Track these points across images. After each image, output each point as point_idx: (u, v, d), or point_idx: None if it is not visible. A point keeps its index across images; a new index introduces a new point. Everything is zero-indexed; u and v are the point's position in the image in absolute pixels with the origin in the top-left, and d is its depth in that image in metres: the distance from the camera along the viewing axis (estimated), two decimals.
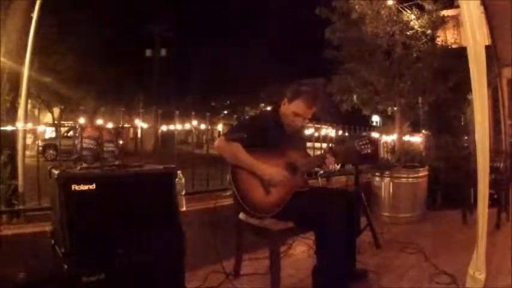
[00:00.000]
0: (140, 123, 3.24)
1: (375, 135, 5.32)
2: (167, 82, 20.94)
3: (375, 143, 2.67)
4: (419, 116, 6.12)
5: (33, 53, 2.98)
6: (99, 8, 15.07)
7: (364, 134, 5.04)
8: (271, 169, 2.23)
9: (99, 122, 2.72)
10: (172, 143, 3.32)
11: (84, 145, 2.08)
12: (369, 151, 2.60)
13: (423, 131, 6.12)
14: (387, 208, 4.25)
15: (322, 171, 3.05)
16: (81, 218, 1.78)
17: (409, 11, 4.78)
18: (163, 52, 22.54)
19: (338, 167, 2.75)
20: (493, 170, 3.90)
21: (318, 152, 2.79)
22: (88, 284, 1.71)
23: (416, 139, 6.07)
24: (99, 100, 17.27)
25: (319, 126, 4.76)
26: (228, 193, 2.66)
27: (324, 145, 4.56)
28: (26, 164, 2.87)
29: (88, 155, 2.08)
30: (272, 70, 19.51)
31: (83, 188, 1.78)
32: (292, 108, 2.38)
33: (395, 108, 5.10)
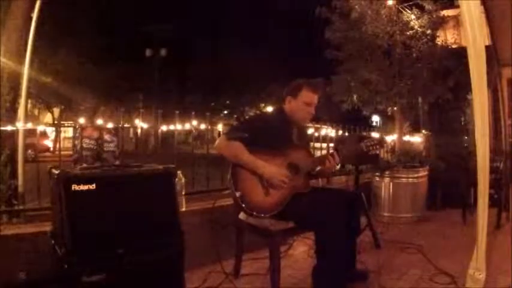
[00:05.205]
0: (140, 123, 3.25)
1: (375, 135, 5.32)
2: (167, 82, 20.93)
3: (382, 144, 2.63)
4: (419, 116, 6.12)
5: (33, 53, 2.98)
6: (100, 8, 15.08)
7: (364, 133, 5.04)
8: (272, 168, 2.23)
9: (99, 122, 2.72)
10: (172, 143, 3.32)
11: (84, 145, 2.09)
12: (377, 152, 2.58)
13: (423, 131, 6.12)
14: (387, 208, 4.25)
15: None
16: (81, 218, 1.78)
17: (409, 11, 4.78)
18: (163, 52, 22.52)
19: (338, 167, 2.73)
20: (493, 170, 3.90)
21: (318, 152, 2.79)
22: (88, 284, 1.71)
23: (416, 139, 6.07)
24: (99, 100, 17.26)
25: (319, 126, 4.76)
26: (228, 191, 2.66)
27: (324, 145, 4.56)
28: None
29: (88, 155, 2.08)
30: (272, 70, 19.51)
31: (83, 188, 1.78)
32: (301, 100, 2.43)
33: (395, 108, 5.11)
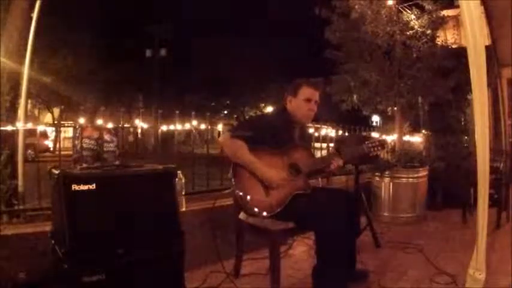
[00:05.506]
0: (140, 123, 3.25)
1: (375, 135, 5.32)
2: (167, 82, 20.93)
3: (384, 145, 2.62)
4: (419, 116, 6.12)
5: (33, 53, 2.98)
6: (100, 8, 15.09)
7: (364, 134, 5.04)
8: (271, 172, 2.23)
9: (99, 122, 2.72)
10: (172, 143, 3.32)
11: (84, 145, 2.09)
12: (379, 153, 2.57)
13: (423, 131, 6.12)
14: (387, 208, 4.25)
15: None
16: (81, 218, 1.78)
17: (409, 11, 4.78)
18: (163, 52, 22.55)
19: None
20: (493, 170, 3.90)
21: (319, 152, 2.79)
22: (88, 284, 1.71)
23: (417, 139, 6.07)
24: (99, 100, 17.26)
25: (319, 126, 4.76)
26: (228, 191, 2.66)
27: (324, 145, 4.56)
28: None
29: (88, 155, 2.08)
30: (272, 70, 19.53)
31: (83, 188, 1.78)
32: (301, 97, 2.44)
33: (395, 108, 5.10)
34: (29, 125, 3.06)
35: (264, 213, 2.20)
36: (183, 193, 2.69)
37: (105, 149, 2.13)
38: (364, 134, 5.03)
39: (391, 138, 5.33)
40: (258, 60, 19.46)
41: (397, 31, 4.67)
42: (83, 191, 1.78)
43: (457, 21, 5.12)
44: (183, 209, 2.62)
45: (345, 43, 4.92)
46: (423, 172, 4.32)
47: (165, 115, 3.45)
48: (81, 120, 2.60)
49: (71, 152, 2.16)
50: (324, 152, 4.19)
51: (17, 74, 2.98)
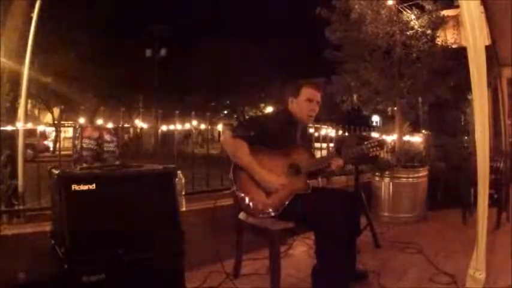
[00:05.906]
0: (140, 123, 3.25)
1: (375, 135, 5.32)
2: (167, 82, 20.90)
3: (383, 145, 2.63)
4: (419, 116, 6.12)
5: (33, 53, 2.98)
6: (100, 8, 15.08)
7: (364, 134, 5.04)
8: (270, 176, 2.24)
9: (99, 122, 2.72)
10: (172, 143, 3.32)
11: (84, 145, 2.09)
12: (378, 153, 2.59)
13: (423, 131, 6.12)
14: (387, 208, 4.25)
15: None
16: (81, 218, 1.78)
17: (409, 11, 4.77)
18: (163, 52, 22.51)
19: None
20: (493, 170, 3.90)
21: (319, 152, 2.79)
22: (88, 284, 1.71)
23: (417, 139, 6.07)
24: (99, 100, 17.25)
25: (319, 126, 4.76)
26: (228, 191, 2.66)
27: (324, 145, 4.56)
28: None
29: (88, 155, 2.08)
30: (272, 70, 19.51)
31: (83, 188, 1.78)
32: (302, 98, 2.45)
33: (395, 108, 5.10)
34: (29, 125, 3.05)
35: (264, 214, 2.20)
36: (183, 193, 2.69)
37: (105, 149, 2.13)
38: (364, 134, 5.03)
39: (391, 138, 5.32)
40: (258, 60, 19.44)
41: (397, 31, 4.67)
42: (83, 191, 1.78)
43: (457, 21, 5.11)
44: (183, 209, 2.62)
45: (345, 43, 4.92)
46: (423, 172, 4.32)
47: (165, 115, 3.45)
48: (81, 120, 2.61)
49: (71, 152, 2.16)
50: (324, 152, 4.20)
51: (17, 74, 2.97)
